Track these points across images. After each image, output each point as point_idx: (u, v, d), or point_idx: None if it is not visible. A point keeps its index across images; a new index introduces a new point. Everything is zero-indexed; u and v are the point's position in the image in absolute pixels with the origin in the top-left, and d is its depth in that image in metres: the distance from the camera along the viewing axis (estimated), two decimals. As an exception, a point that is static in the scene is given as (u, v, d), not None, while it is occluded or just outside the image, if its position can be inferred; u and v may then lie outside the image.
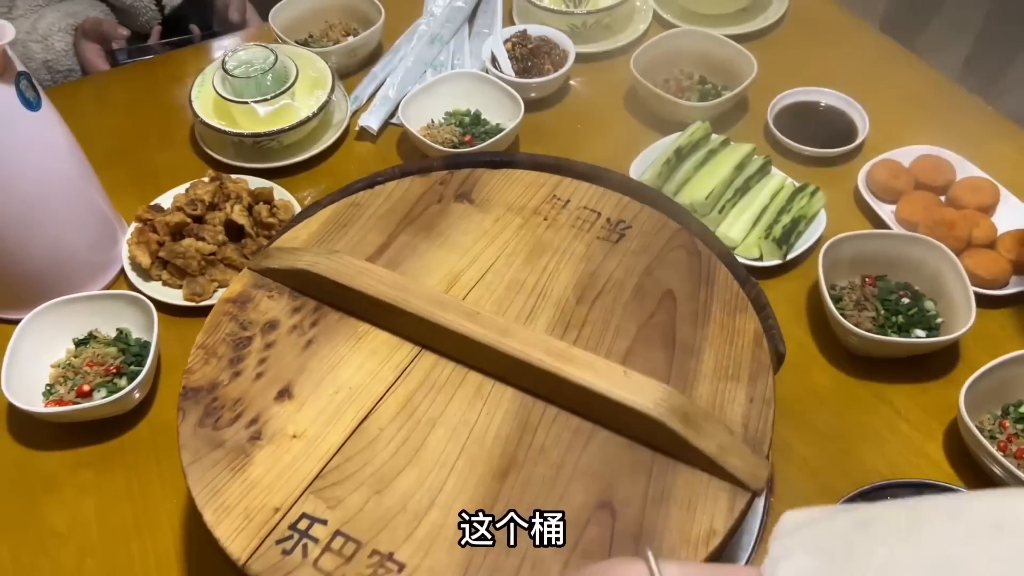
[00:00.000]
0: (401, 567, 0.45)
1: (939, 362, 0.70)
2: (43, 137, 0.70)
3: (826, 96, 0.92)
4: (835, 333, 0.72)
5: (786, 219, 0.79)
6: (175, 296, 0.75)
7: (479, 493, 0.47)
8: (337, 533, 0.46)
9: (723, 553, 0.48)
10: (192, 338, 0.55)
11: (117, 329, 0.73)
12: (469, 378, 0.53)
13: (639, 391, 0.49)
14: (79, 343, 0.73)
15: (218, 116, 0.88)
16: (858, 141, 0.88)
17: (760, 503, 0.60)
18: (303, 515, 0.47)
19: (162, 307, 0.74)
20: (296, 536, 0.46)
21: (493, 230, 0.63)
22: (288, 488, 0.48)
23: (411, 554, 0.45)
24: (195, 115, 0.87)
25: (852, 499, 0.59)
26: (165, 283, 0.77)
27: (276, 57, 0.87)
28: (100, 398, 0.68)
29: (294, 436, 0.51)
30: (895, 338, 0.69)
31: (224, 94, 0.87)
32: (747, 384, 0.53)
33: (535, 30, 0.98)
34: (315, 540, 0.46)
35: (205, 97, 0.89)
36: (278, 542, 0.46)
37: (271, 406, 0.52)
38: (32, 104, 0.68)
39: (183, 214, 0.78)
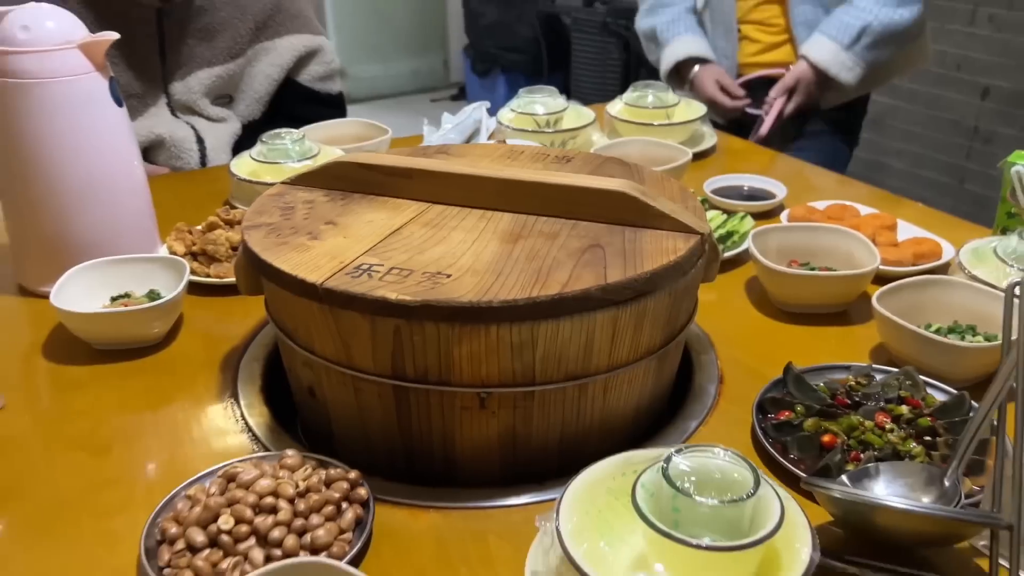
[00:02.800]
0: (448, 276, 0.62)
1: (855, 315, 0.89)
2: (121, 129, 0.93)
3: (750, 179, 1.20)
4: (768, 290, 0.91)
5: (722, 230, 1.01)
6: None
7: (497, 248, 0.67)
8: (392, 268, 0.64)
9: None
10: (216, 310, 0.75)
11: (150, 289, 0.89)
12: (474, 212, 0.75)
13: (608, 183, 0.70)
14: (114, 299, 0.88)
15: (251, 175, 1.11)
16: (779, 198, 1.14)
17: (712, 388, 0.77)
18: (361, 264, 0.65)
19: (190, 288, 0.91)
20: (359, 271, 0.64)
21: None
22: (345, 256, 0.67)
23: (455, 272, 0.64)
24: (231, 174, 1.10)
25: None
26: (194, 272, 0.94)
27: (303, 136, 1.13)
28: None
29: (344, 237, 0.68)
30: (820, 272, 0.89)
31: (257, 158, 1.10)
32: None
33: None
34: (375, 272, 0.64)
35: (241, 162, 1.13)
36: (345, 274, 0.63)
37: (320, 229, 0.72)
38: (118, 101, 0.92)
39: (217, 218, 0.98)
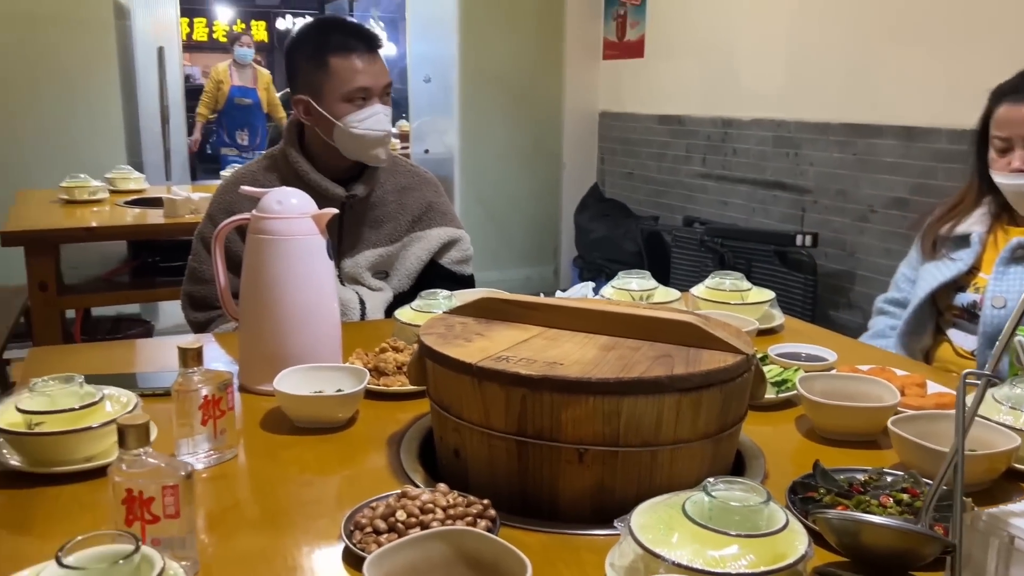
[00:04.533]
0: (560, 364, 0.90)
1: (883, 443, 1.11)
2: (329, 277, 1.30)
3: (807, 348, 1.45)
4: (810, 419, 1.15)
5: (778, 378, 1.26)
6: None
7: (596, 353, 0.95)
8: (522, 359, 0.93)
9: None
10: (384, 409, 1.10)
11: (337, 388, 1.19)
12: (580, 334, 1.04)
13: (678, 316, 0.98)
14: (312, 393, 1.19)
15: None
16: (830, 362, 1.38)
17: (758, 481, 1.00)
18: (501, 355, 0.94)
19: (365, 393, 1.20)
20: (500, 359, 0.94)
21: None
22: (490, 351, 0.97)
23: (565, 363, 0.92)
24: (396, 319, 1.43)
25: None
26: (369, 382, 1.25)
27: (452, 296, 1.46)
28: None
29: (488, 342, 0.99)
30: (848, 404, 1.11)
31: (416, 308, 1.44)
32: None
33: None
34: (511, 360, 0.93)
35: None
36: (490, 359, 0.93)
37: (472, 337, 1.03)
38: (330, 257, 1.28)
39: (387, 344, 1.30)
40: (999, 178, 1.59)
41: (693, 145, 4.48)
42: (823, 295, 3.71)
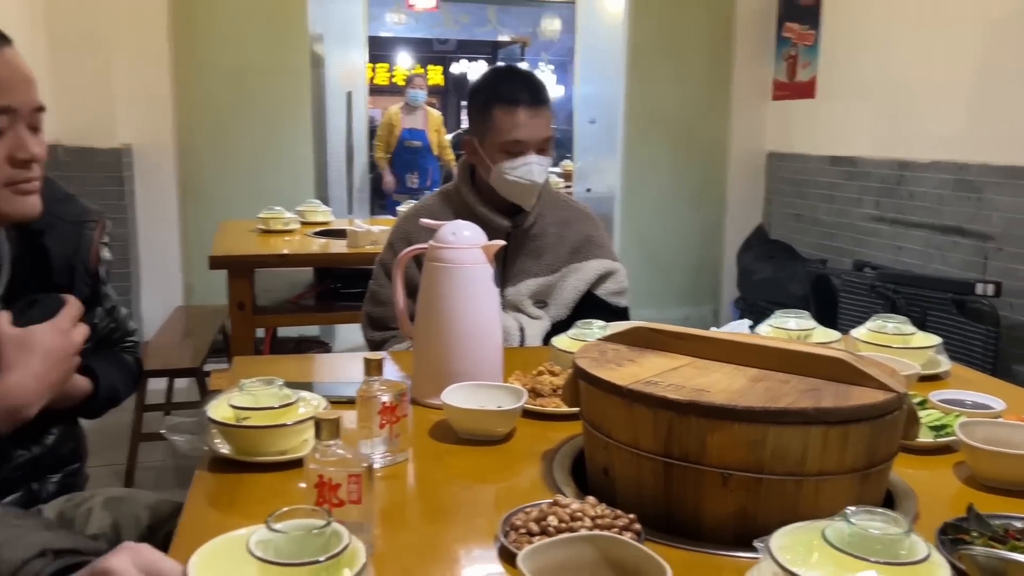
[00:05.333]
0: (707, 391, 0.95)
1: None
2: (495, 303, 1.41)
3: (974, 396, 1.40)
4: (969, 464, 1.13)
5: (937, 423, 1.24)
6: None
7: (744, 383, 0.99)
8: (671, 384, 0.99)
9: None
10: (539, 428, 1.18)
11: (498, 405, 1.29)
12: (729, 365, 1.08)
13: (829, 352, 1.01)
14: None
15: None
16: (997, 410, 1.33)
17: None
18: (651, 380, 1.00)
19: (521, 412, 1.29)
20: (649, 384, 1.00)
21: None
22: (640, 376, 1.03)
23: (713, 391, 0.97)
24: (552, 346, 1.52)
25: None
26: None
27: (606, 325, 1.53)
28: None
29: (639, 367, 1.05)
30: (1008, 450, 1.08)
31: (572, 337, 1.52)
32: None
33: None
34: (660, 385, 0.99)
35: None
36: (640, 383, 0.99)
37: (623, 363, 1.09)
38: (496, 284, 1.38)
39: (544, 368, 1.39)
40: None
41: (866, 187, 4.33)
42: (1006, 348, 3.47)
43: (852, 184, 4.44)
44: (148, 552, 0.75)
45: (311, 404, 1.17)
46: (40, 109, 1.16)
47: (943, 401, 1.37)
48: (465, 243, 1.36)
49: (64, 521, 1.23)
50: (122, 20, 4.05)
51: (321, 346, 3.96)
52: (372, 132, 6.86)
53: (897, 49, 4.09)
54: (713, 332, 1.22)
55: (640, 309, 2.09)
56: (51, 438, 1.28)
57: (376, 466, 1.12)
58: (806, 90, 4.81)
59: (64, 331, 1.17)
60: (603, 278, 1.97)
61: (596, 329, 1.55)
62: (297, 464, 1.11)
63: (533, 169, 1.82)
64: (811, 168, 4.80)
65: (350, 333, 4.28)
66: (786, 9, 4.95)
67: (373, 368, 1.12)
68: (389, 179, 6.62)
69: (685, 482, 0.96)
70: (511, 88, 1.82)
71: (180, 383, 3.67)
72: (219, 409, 1.15)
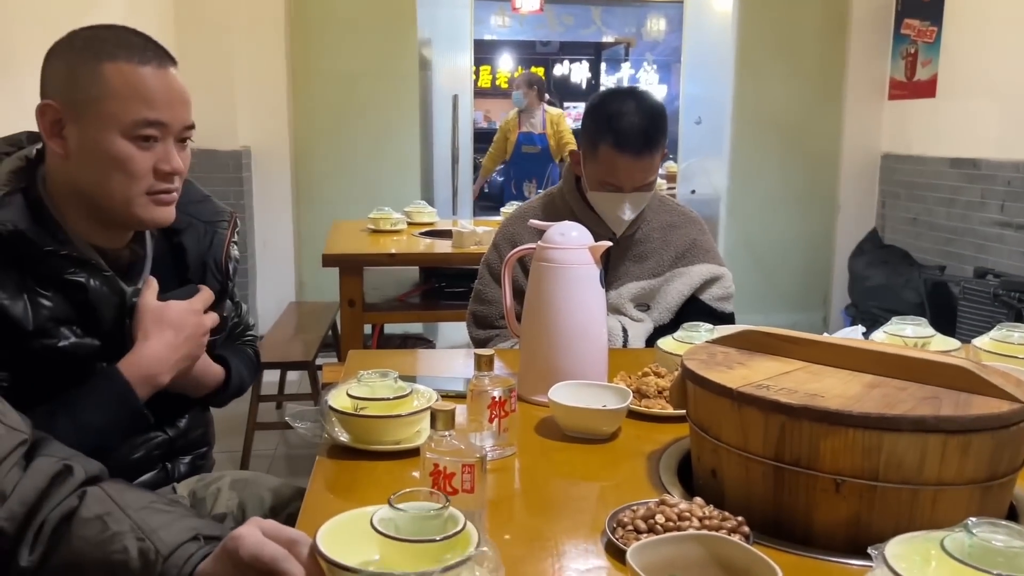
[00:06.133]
0: (822, 397, 0.95)
1: None
2: (601, 303, 1.43)
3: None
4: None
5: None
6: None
7: (859, 389, 0.98)
8: (782, 388, 0.98)
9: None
10: (644, 428, 1.22)
11: (603, 404, 1.30)
12: (843, 371, 1.06)
13: (951, 360, 0.98)
14: (578, 410, 1.31)
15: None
16: None
17: None
18: (762, 383, 1.01)
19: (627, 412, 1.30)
20: (760, 387, 1.00)
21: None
22: (751, 379, 1.03)
23: (827, 396, 0.96)
24: (658, 347, 1.52)
25: None
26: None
27: (714, 329, 1.53)
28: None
29: (749, 371, 1.04)
30: None
31: (678, 339, 1.52)
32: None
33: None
34: (771, 388, 0.99)
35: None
36: (751, 386, 0.99)
37: (733, 366, 1.09)
38: (602, 285, 1.39)
39: (649, 369, 1.39)
40: None
41: (990, 191, 4.12)
42: None
43: (974, 187, 4.23)
44: (273, 524, 0.81)
45: (424, 396, 1.21)
46: (190, 127, 1.25)
47: (1074, 415, 1.30)
48: (573, 244, 1.38)
49: (195, 500, 1.32)
50: (243, 30, 4.26)
51: (425, 343, 4.05)
52: (476, 135, 6.79)
53: (1021, 45, 3.88)
54: (826, 337, 1.20)
55: (746, 315, 2.06)
56: (183, 422, 1.38)
57: (487, 454, 1.16)
58: (926, 89, 4.61)
59: (196, 311, 1.28)
60: (709, 283, 1.95)
61: (703, 332, 1.55)
62: (411, 454, 1.16)
63: (626, 210, 1.82)
64: (929, 170, 4.60)
65: (453, 331, 4.37)
66: (905, 5, 4.76)
67: (484, 364, 1.15)
68: (476, 189, 6.26)
69: (796, 487, 0.95)
70: (623, 133, 1.76)
71: (292, 376, 3.84)
72: (338, 398, 1.20)
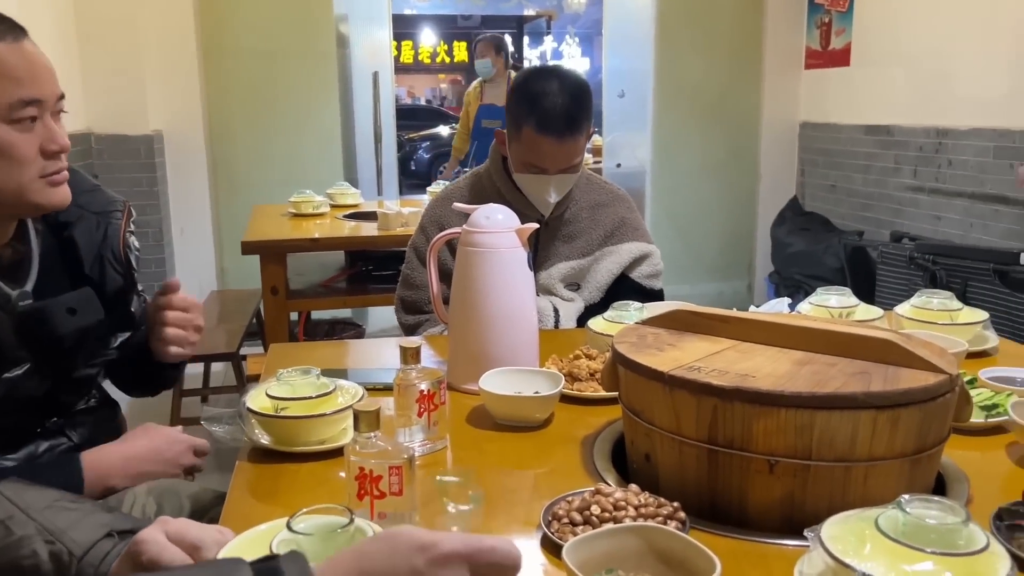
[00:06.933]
0: (753, 377, 0.93)
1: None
2: (529, 286, 1.40)
3: (1022, 372, 1.36)
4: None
5: (988, 402, 1.21)
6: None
7: (789, 367, 0.97)
8: (714, 370, 0.97)
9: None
10: (576, 412, 1.18)
11: (535, 391, 1.27)
12: (772, 348, 1.05)
13: (878, 333, 0.97)
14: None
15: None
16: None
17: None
18: (693, 365, 0.99)
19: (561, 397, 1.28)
20: (692, 369, 0.98)
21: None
22: (682, 361, 1.01)
23: (758, 375, 0.95)
24: (589, 328, 1.50)
25: None
26: (560, 387, 1.32)
27: (644, 307, 1.51)
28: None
29: (680, 352, 1.03)
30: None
31: (609, 319, 1.50)
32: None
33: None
34: (703, 370, 0.97)
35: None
36: (683, 368, 0.97)
37: (664, 347, 1.07)
38: (530, 268, 1.36)
39: (581, 352, 1.37)
40: None
41: (903, 156, 4.24)
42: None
43: (888, 153, 4.34)
44: (177, 523, 0.78)
45: (349, 393, 1.16)
46: (62, 97, 1.17)
47: (992, 379, 1.33)
48: (499, 227, 1.35)
49: (109, 509, 1.24)
50: (148, 6, 4.06)
51: (354, 328, 3.97)
52: (400, 112, 6.54)
53: (934, 13, 3.98)
54: (755, 313, 1.19)
55: (673, 285, 2.07)
56: (88, 427, 1.30)
57: (415, 454, 1.12)
58: (840, 58, 4.70)
59: (184, 445, 1.34)
60: (638, 261, 1.94)
61: (633, 311, 1.53)
62: (338, 453, 1.11)
63: (551, 192, 1.79)
64: (846, 138, 4.70)
65: (383, 314, 4.29)
66: (818, -25, 4.84)
67: (410, 356, 1.11)
68: (449, 173, 5.47)
69: (730, 469, 0.94)
70: (546, 115, 1.72)
71: (216, 367, 3.71)
72: (257, 399, 1.15)
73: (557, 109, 1.71)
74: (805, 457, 0.91)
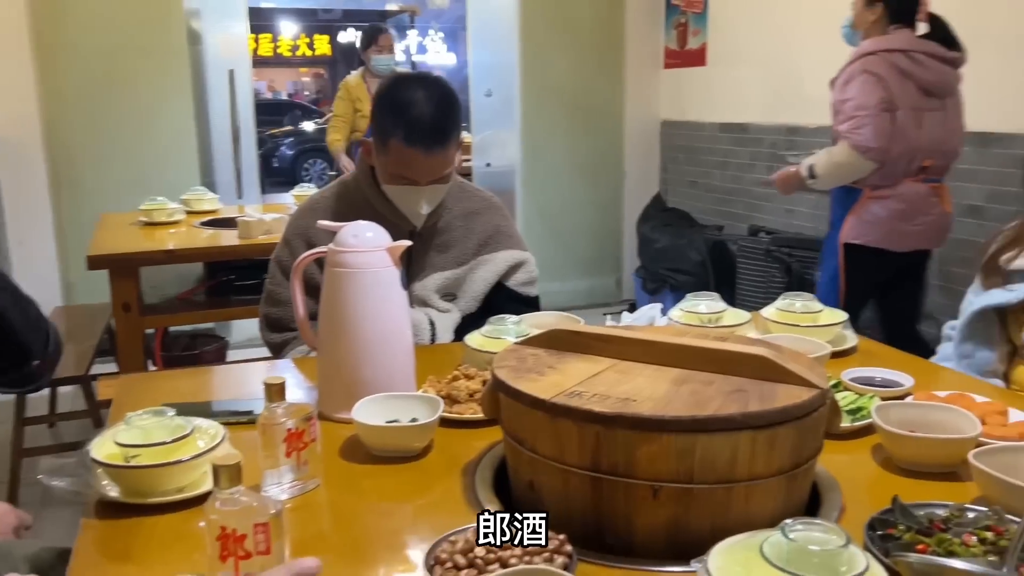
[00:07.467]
0: (634, 400, 0.91)
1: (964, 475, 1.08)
2: (403, 306, 1.34)
3: (883, 372, 1.42)
4: (887, 450, 1.14)
5: (853, 406, 1.25)
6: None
7: (668, 387, 0.96)
8: (595, 394, 0.94)
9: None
10: (456, 437, 1.14)
11: (412, 417, 1.22)
12: (651, 367, 1.04)
13: (752, 349, 0.98)
14: (388, 423, 1.22)
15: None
16: (906, 387, 1.35)
17: (834, 515, 1.00)
18: (574, 391, 0.96)
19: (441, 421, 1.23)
20: (573, 395, 0.95)
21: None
22: (564, 386, 0.98)
23: (639, 399, 0.93)
24: (466, 345, 1.45)
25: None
26: (437, 411, 1.27)
27: (521, 320, 1.48)
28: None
29: (561, 375, 1.00)
30: (925, 435, 1.10)
31: (486, 334, 1.47)
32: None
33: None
34: (584, 395, 0.94)
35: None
36: (564, 395, 0.94)
37: (544, 370, 1.04)
38: (403, 287, 1.30)
39: (459, 372, 1.33)
40: None
41: (757, 153, 4.43)
42: (895, 305, 3.62)
43: (744, 150, 4.53)
44: None
45: (208, 434, 1.07)
46: None
47: (854, 380, 1.39)
48: (369, 245, 1.28)
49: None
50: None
51: (217, 341, 3.77)
52: (261, 107, 6.25)
53: (784, 15, 4.17)
54: (632, 331, 1.18)
55: (544, 283, 2.05)
56: None
57: (284, 497, 1.04)
58: (697, 58, 4.86)
59: (17, 519, 1.20)
60: (513, 269, 1.91)
61: (510, 325, 1.50)
62: (199, 501, 1.02)
63: (423, 204, 1.73)
64: (704, 135, 4.87)
65: (250, 325, 4.10)
66: (674, -23, 4.98)
67: (275, 393, 1.03)
68: (346, 163, 4.70)
69: (615, 496, 0.92)
70: (413, 126, 1.64)
71: (64, 391, 3.44)
72: (103, 447, 1.04)
73: (425, 120, 1.64)
74: (687, 481, 0.90)
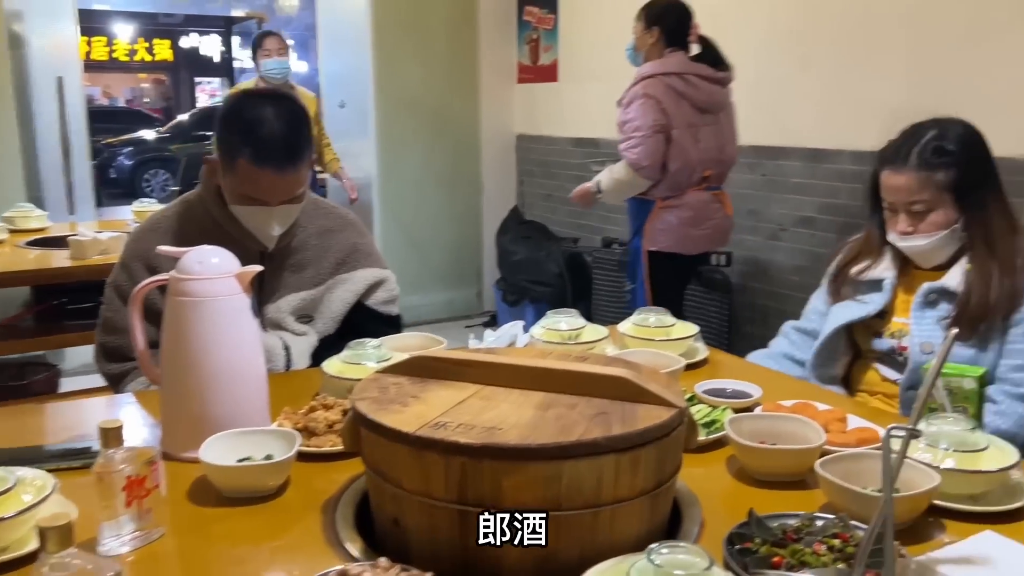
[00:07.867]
0: (499, 429, 0.89)
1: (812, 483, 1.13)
2: (254, 335, 1.25)
3: (733, 384, 1.48)
4: (741, 462, 1.18)
5: (707, 419, 1.29)
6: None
7: (533, 413, 0.95)
8: (460, 424, 0.92)
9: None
10: (315, 472, 1.10)
11: (266, 454, 1.16)
12: (515, 391, 1.03)
13: (612, 371, 0.99)
14: (240, 461, 1.15)
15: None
16: (755, 397, 1.41)
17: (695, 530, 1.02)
18: (439, 422, 0.93)
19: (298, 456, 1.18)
20: (438, 426, 0.92)
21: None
22: (427, 417, 0.95)
23: (504, 427, 0.91)
24: (324, 372, 1.40)
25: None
26: (295, 444, 1.22)
27: (382, 344, 1.45)
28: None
29: (425, 405, 0.97)
30: (775, 446, 1.14)
31: (345, 360, 1.41)
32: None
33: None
34: (449, 426, 0.92)
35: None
36: (428, 427, 0.92)
37: (407, 400, 1.01)
38: (255, 314, 1.24)
39: (316, 402, 1.28)
40: (892, 238, 1.64)
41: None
42: (738, 311, 3.82)
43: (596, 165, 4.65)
44: None
45: (35, 485, 0.97)
46: None
47: (707, 392, 1.44)
48: (215, 272, 1.21)
49: None
50: None
51: (48, 369, 3.47)
52: (95, 114, 5.91)
53: (628, 33, 4.31)
54: (495, 354, 1.17)
55: (405, 296, 2.01)
56: None
57: (125, 550, 0.96)
58: (548, 73, 4.96)
59: None
60: (373, 287, 1.86)
61: (370, 349, 1.46)
62: (27, 561, 0.92)
63: (274, 226, 1.65)
64: (557, 149, 4.97)
65: (83, 352, 3.81)
66: (525, -7, 5.06)
67: (111, 439, 0.94)
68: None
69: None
70: (262, 146, 1.57)
71: None
72: (-92, 509, 0.92)
73: (275, 139, 1.57)
74: (555, 507, 0.90)
